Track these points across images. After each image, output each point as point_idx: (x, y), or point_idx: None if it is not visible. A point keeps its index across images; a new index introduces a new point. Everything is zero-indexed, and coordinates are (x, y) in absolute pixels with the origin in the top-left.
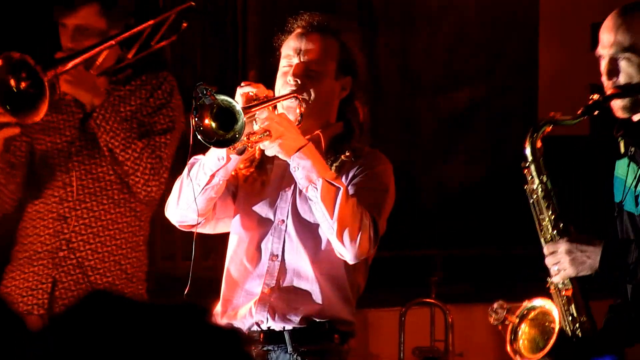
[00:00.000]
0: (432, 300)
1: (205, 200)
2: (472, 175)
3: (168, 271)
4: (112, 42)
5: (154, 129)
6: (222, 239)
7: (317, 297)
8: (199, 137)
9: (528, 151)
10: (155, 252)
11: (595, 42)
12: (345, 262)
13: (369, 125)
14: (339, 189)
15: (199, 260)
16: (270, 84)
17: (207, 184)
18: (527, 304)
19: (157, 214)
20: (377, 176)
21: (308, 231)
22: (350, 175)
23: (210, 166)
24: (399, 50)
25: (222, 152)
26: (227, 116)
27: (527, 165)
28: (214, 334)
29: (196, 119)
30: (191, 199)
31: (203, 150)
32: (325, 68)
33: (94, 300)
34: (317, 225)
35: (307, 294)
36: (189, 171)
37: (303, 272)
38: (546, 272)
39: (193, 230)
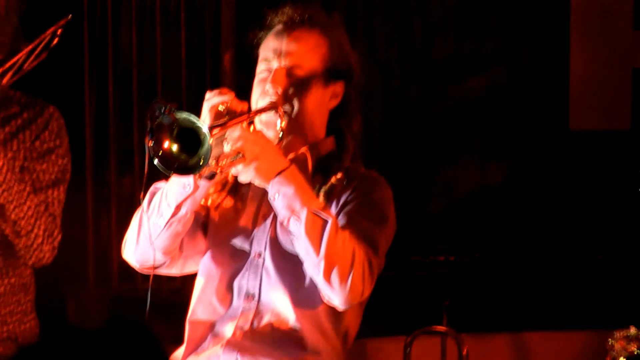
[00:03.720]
0: (443, 328)
1: (171, 237)
2: (490, 177)
3: (126, 294)
4: None
5: (41, 179)
6: None
7: (299, 342)
8: (157, 163)
9: None
10: (112, 273)
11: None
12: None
13: (360, 138)
14: (326, 221)
15: (163, 282)
16: (249, 70)
17: (171, 217)
18: None
19: (111, 228)
20: (374, 204)
21: (289, 266)
22: (342, 201)
23: (175, 195)
24: (400, 26)
25: (188, 179)
26: (190, 137)
27: None
28: None
29: (152, 143)
30: (153, 236)
31: (161, 176)
32: (312, 73)
33: None
34: (300, 259)
35: (286, 338)
36: (150, 202)
37: (283, 314)
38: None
39: (155, 272)
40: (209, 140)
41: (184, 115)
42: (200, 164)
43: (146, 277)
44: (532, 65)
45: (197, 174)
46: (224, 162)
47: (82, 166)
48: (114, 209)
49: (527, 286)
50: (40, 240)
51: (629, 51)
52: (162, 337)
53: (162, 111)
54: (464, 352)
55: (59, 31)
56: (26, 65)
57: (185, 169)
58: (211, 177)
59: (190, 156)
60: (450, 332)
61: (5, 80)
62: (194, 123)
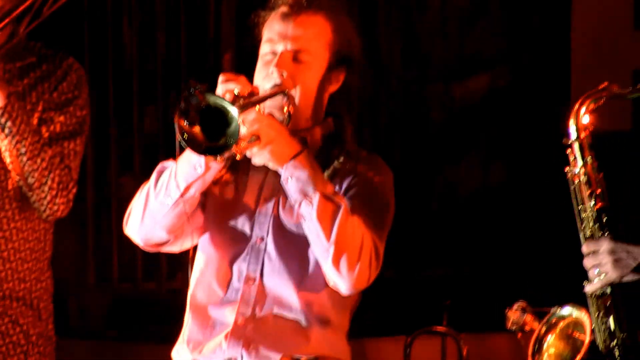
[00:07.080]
0: (443, 328)
1: (177, 216)
2: (492, 177)
3: (126, 294)
4: (7, 18)
5: (58, 131)
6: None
7: (303, 330)
8: (184, 144)
9: (573, 126)
10: (112, 273)
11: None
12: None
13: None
14: (339, 206)
15: (163, 282)
16: (249, 71)
17: (180, 197)
18: (556, 311)
19: (111, 228)
20: (377, 189)
21: (292, 251)
22: (345, 186)
23: (185, 176)
24: (403, 27)
25: (200, 159)
26: (216, 119)
27: (569, 143)
28: None
29: (185, 123)
30: (160, 215)
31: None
32: (317, 59)
33: None
34: (304, 244)
35: (290, 326)
36: (157, 180)
37: (286, 301)
38: (584, 278)
39: (160, 250)
40: (237, 122)
41: (213, 97)
42: (227, 144)
43: (146, 277)
44: (534, 66)
45: (221, 155)
46: (242, 145)
47: (82, 166)
48: (114, 209)
49: (527, 287)
50: (54, 192)
51: (629, 51)
52: (163, 337)
53: (192, 92)
54: (464, 352)
55: None
56: (45, 9)
57: (213, 150)
58: (230, 158)
59: (217, 137)
60: (450, 332)
61: (22, 28)
62: (223, 105)
